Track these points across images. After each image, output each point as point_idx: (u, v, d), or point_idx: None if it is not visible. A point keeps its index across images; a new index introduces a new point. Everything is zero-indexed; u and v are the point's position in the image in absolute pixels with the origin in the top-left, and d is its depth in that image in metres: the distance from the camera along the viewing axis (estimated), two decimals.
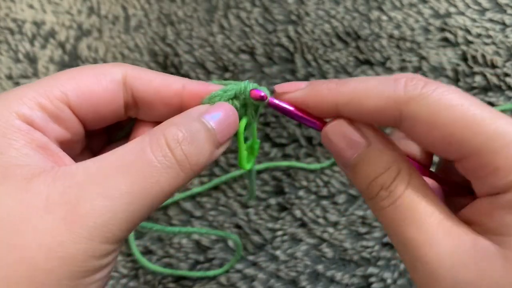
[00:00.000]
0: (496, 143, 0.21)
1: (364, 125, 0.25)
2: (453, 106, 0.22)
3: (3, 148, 0.22)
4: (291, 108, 0.27)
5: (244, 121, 0.28)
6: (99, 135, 0.30)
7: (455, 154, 0.22)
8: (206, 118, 0.25)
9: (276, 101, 0.27)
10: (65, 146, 0.25)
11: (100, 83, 0.25)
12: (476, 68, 0.53)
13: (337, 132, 0.25)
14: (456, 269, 0.21)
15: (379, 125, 0.25)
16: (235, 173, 0.50)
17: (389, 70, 0.54)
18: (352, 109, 0.25)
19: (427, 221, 0.22)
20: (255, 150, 0.31)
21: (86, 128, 0.27)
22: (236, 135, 0.28)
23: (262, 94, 0.27)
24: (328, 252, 0.47)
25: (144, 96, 0.26)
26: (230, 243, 0.48)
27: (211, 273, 0.47)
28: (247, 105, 0.28)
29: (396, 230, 0.23)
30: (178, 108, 0.27)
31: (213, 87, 0.27)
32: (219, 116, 0.25)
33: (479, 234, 0.22)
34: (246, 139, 0.30)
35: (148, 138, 0.23)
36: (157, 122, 0.26)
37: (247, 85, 0.27)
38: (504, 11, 0.56)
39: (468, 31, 0.55)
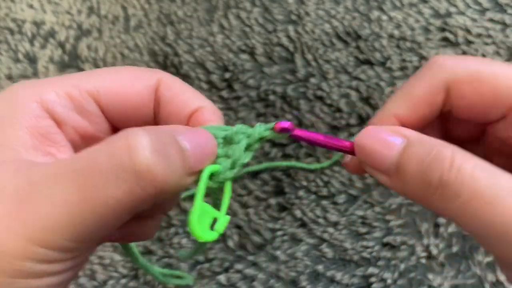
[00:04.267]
0: None
1: (394, 126, 0.24)
2: (493, 63, 0.23)
3: (3, 124, 0.22)
4: (319, 137, 0.26)
5: (216, 167, 0.24)
6: None
7: (500, 109, 0.23)
8: (180, 137, 0.22)
9: (300, 133, 0.26)
10: (89, 140, 0.25)
11: (134, 87, 0.25)
12: None
13: (371, 137, 0.24)
14: None
15: (430, 106, 0.25)
16: None
17: (389, 70, 0.54)
18: (404, 104, 0.25)
19: (504, 194, 0.20)
20: (221, 226, 0.23)
21: (115, 126, 0.26)
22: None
23: (287, 125, 0.25)
24: (328, 252, 0.47)
25: (167, 107, 0.26)
26: (230, 243, 0.48)
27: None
28: (231, 153, 0.24)
29: (478, 215, 0.20)
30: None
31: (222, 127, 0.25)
32: (196, 139, 0.22)
33: None
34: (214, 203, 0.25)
35: (106, 141, 0.20)
36: None
37: (259, 128, 0.25)
38: (505, 11, 0.56)
39: (468, 31, 0.55)
